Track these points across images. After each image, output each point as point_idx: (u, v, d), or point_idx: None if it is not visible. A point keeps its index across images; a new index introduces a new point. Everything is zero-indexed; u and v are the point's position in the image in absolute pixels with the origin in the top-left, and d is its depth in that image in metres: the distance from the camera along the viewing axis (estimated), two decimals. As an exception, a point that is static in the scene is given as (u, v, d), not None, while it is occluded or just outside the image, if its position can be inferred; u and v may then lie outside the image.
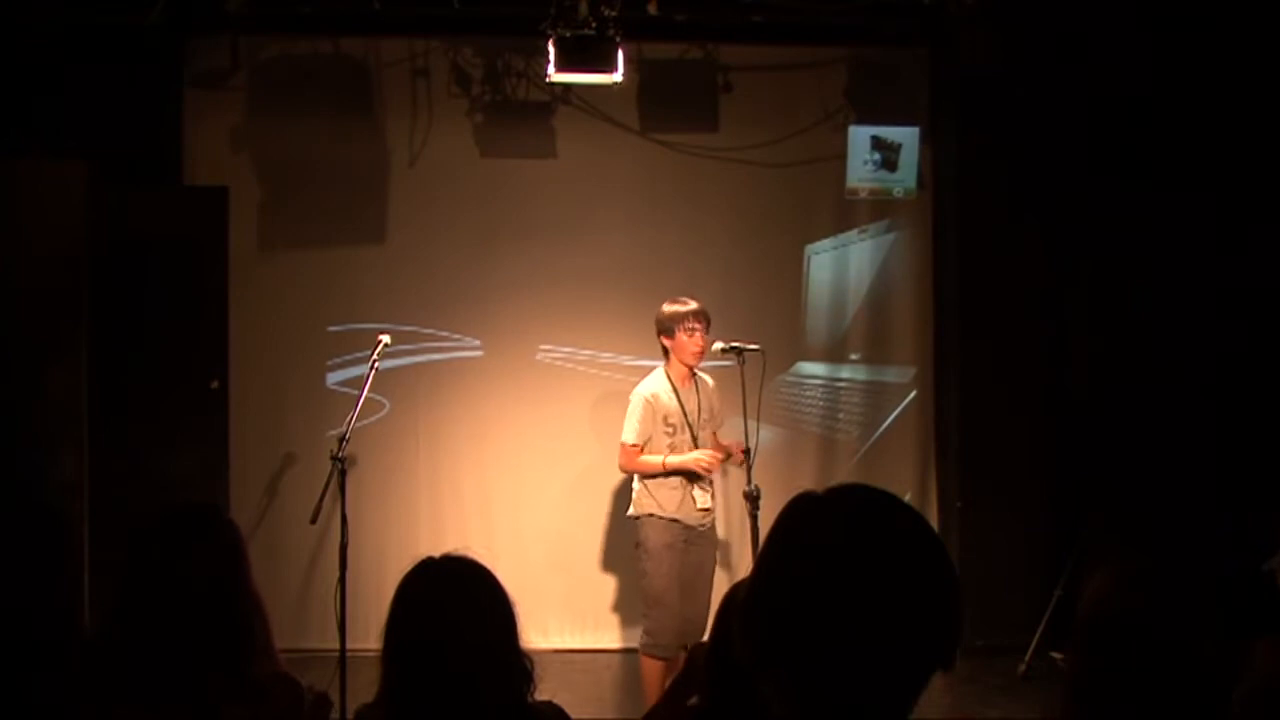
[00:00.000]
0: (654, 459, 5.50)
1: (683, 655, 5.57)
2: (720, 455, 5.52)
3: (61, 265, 5.87)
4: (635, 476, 5.59)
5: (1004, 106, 6.76)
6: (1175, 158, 6.54)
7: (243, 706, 2.37)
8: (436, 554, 2.42)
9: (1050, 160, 6.79)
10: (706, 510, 5.53)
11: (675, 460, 5.47)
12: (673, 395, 5.57)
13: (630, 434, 5.55)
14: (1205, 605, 2.04)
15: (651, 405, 5.55)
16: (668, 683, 5.37)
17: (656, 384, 5.62)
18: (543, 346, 7.06)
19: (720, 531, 5.98)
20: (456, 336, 7.06)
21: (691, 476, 5.49)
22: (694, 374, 5.62)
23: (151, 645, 2.35)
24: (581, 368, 7.09)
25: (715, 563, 5.70)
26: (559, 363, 7.09)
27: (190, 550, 2.43)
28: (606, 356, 7.06)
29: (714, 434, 5.71)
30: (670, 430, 5.55)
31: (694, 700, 2.53)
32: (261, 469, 6.85)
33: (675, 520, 5.49)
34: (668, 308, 5.57)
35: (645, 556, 5.52)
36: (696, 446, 5.53)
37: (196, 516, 2.55)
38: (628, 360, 6.88)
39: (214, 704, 2.32)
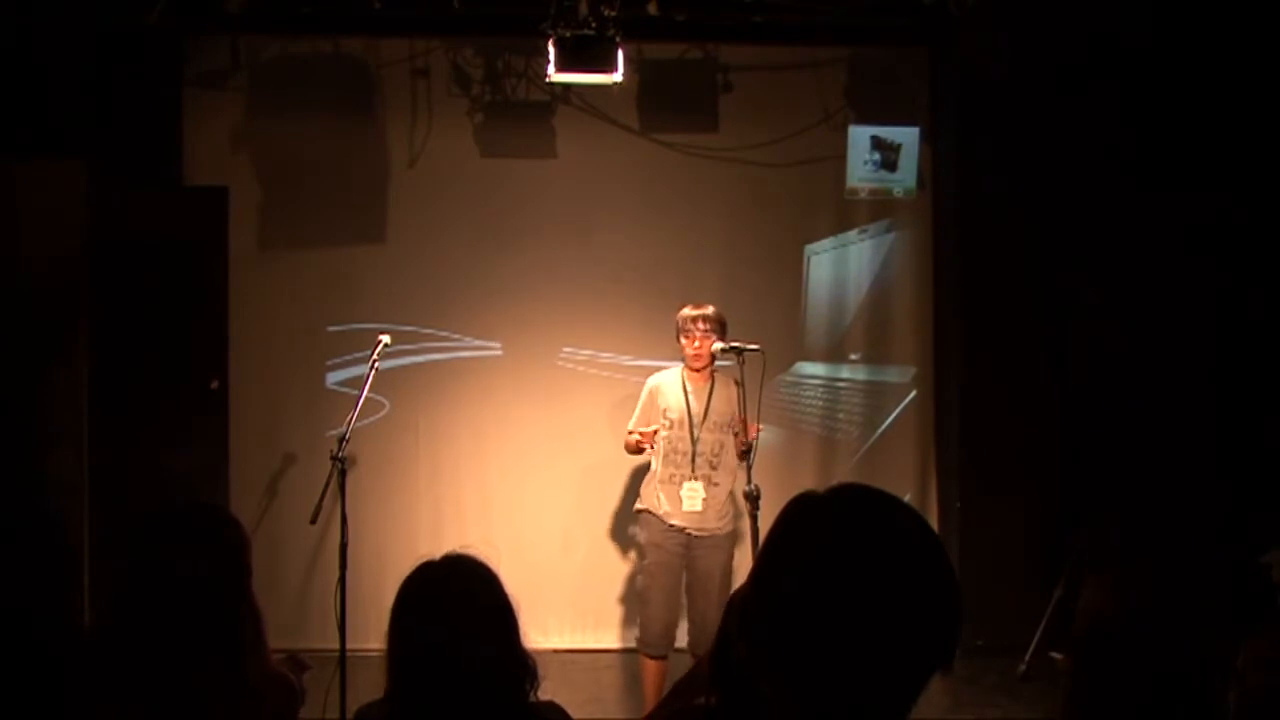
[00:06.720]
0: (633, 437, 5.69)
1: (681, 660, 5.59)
2: (648, 437, 5.54)
3: (61, 265, 5.88)
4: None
5: (1004, 106, 6.75)
6: (1176, 157, 6.54)
7: (236, 706, 2.36)
8: (436, 555, 2.42)
9: (1050, 160, 6.79)
10: (696, 513, 5.51)
11: (636, 436, 5.61)
12: (680, 391, 5.62)
13: (633, 420, 5.72)
14: (1201, 611, 2.04)
15: (652, 394, 5.70)
16: (662, 682, 5.44)
17: (666, 376, 5.72)
18: (544, 346, 7.06)
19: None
20: (456, 336, 7.05)
21: (680, 475, 5.52)
22: (712, 375, 5.63)
23: (145, 643, 2.34)
24: (581, 367, 7.08)
25: (727, 571, 5.63)
26: (558, 362, 7.09)
27: (188, 549, 2.42)
28: (606, 356, 7.06)
29: (737, 438, 5.56)
30: (668, 425, 5.60)
31: (698, 702, 2.53)
32: (261, 469, 6.85)
33: (663, 520, 5.53)
34: (681, 311, 5.63)
35: (637, 552, 5.60)
36: (694, 446, 5.54)
37: (197, 516, 2.55)
38: (627, 360, 6.89)
39: (206, 704, 2.32)
